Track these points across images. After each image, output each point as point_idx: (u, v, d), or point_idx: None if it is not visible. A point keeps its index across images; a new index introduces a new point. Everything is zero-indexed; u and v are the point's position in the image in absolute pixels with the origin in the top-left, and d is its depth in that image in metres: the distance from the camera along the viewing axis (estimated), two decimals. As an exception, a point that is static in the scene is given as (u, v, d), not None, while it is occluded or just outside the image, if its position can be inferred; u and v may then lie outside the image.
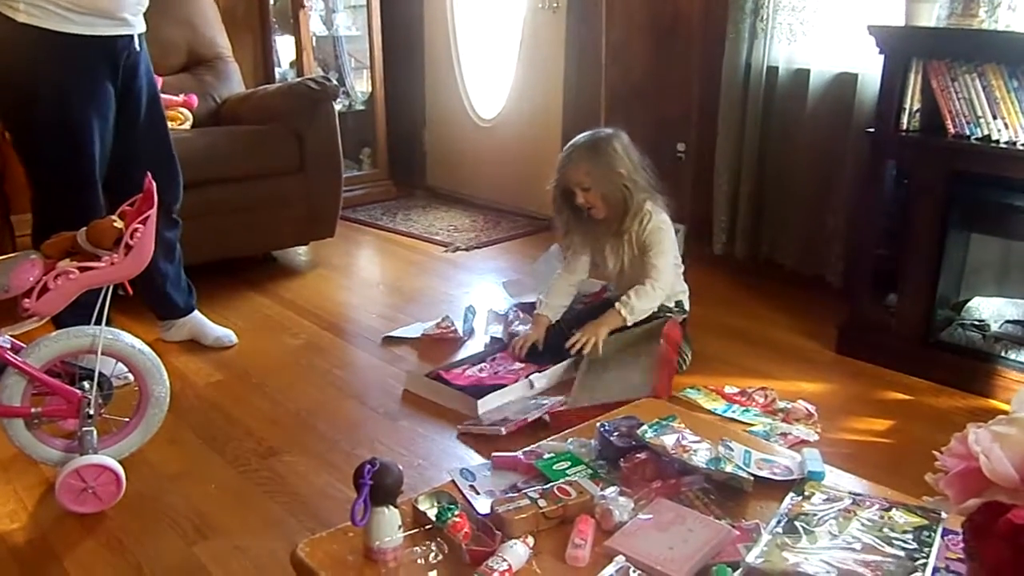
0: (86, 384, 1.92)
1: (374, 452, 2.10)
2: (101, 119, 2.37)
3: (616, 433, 1.60)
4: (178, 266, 2.76)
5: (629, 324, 2.57)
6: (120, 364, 2.00)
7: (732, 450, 1.50)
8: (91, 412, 1.90)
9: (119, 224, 1.87)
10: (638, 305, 2.57)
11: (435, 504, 1.41)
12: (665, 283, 2.60)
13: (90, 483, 1.84)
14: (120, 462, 1.89)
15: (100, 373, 1.91)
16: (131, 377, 2.04)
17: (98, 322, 1.87)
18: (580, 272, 2.77)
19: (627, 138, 2.66)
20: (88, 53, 2.30)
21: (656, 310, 2.63)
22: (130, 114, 2.47)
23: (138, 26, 2.42)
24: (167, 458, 2.11)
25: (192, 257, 2.86)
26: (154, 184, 1.90)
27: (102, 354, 1.89)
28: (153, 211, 1.88)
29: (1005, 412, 2.33)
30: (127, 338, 1.97)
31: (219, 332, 2.81)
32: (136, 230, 1.85)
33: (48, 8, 2.21)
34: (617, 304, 2.58)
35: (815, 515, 1.31)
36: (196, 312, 2.83)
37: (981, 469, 0.98)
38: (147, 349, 2.00)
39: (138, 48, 2.43)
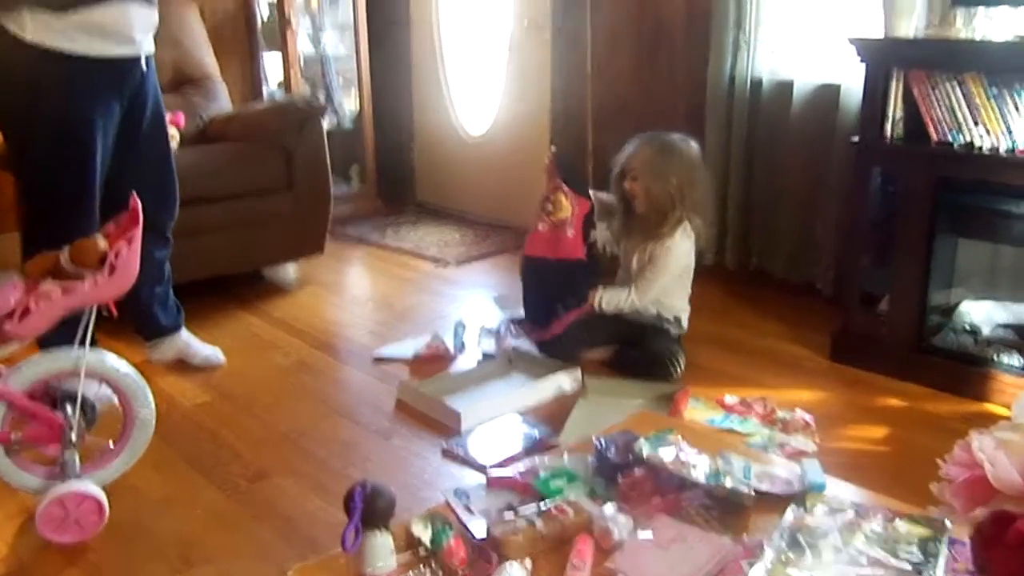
0: (68, 408, 1.87)
1: (366, 472, 2.07)
2: (104, 138, 2.35)
3: (613, 448, 1.58)
4: (166, 286, 2.73)
5: (593, 307, 2.64)
6: (104, 386, 1.96)
7: (732, 464, 1.48)
8: (73, 437, 1.85)
9: (103, 244, 1.83)
10: (608, 300, 2.65)
11: (429, 527, 1.38)
12: (643, 300, 2.66)
13: (72, 511, 1.79)
14: (103, 488, 1.85)
15: (83, 396, 1.87)
16: (115, 399, 1.99)
17: (82, 343, 1.84)
18: None
19: (698, 153, 2.71)
20: (95, 73, 2.28)
21: (656, 321, 2.68)
22: (132, 133, 2.45)
23: (147, 47, 2.40)
24: (152, 483, 2.07)
25: (180, 275, 2.82)
26: (139, 203, 1.87)
27: (86, 376, 1.85)
28: (138, 230, 1.84)
29: (1001, 416, 2.36)
30: (111, 359, 1.93)
31: (207, 352, 2.77)
32: (120, 250, 1.82)
33: (56, 28, 2.19)
34: (600, 288, 2.66)
35: (818, 529, 1.29)
36: (183, 331, 2.79)
37: (987, 477, 0.96)
38: (132, 371, 1.96)
39: (145, 69, 2.42)
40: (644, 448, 1.52)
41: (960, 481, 0.98)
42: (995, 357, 2.46)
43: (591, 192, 2.75)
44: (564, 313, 2.66)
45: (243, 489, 2.05)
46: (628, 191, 2.65)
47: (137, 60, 2.37)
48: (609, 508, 1.40)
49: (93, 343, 1.91)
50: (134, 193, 1.91)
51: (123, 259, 1.81)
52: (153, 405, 1.99)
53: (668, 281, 2.66)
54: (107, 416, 2.04)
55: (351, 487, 1.28)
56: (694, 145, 2.72)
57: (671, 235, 2.63)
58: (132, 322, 2.71)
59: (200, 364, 2.74)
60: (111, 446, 1.98)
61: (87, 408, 1.92)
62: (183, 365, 2.74)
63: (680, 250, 2.65)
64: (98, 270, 1.80)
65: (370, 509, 1.27)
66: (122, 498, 1.94)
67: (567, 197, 2.69)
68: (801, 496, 1.42)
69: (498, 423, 2.32)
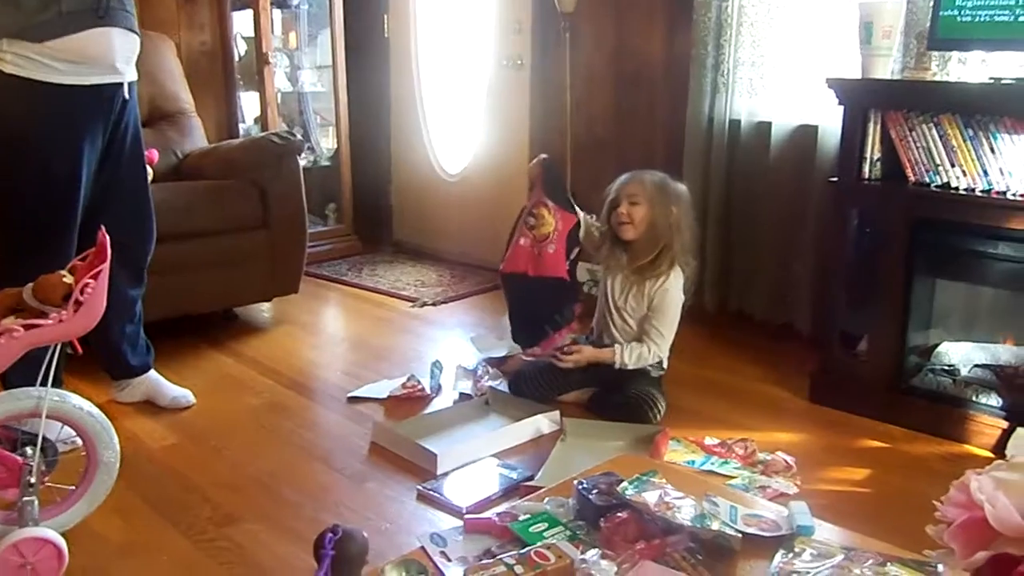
0: (28, 450, 1.79)
1: (339, 517, 2.01)
2: (87, 167, 2.31)
3: (595, 491, 1.53)
4: (137, 325, 2.67)
5: (616, 366, 2.59)
6: (67, 428, 1.89)
7: (718, 506, 1.44)
8: (33, 480, 1.77)
9: (68, 279, 1.78)
10: (631, 359, 2.60)
11: (403, 574, 1.33)
12: (662, 351, 2.63)
13: (29, 559, 1.70)
14: (63, 534, 1.77)
15: (44, 438, 1.79)
16: (79, 441, 1.92)
17: (44, 383, 1.77)
18: None
19: (689, 198, 2.70)
20: (76, 102, 2.25)
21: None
22: (112, 164, 2.41)
23: (129, 74, 2.37)
24: (115, 529, 1.99)
25: (150, 314, 2.76)
26: (107, 238, 1.82)
27: (47, 417, 1.79)
28: (106, 266, 1.79)
29: (981, 457, 2.35)
30: (75, 400, 1.87)
31: (176, 392, 2.70)
32: (87, 285, 1.76)
33: (34, 58, 2.16)
34: (617, 346, 2.60)
35: (808, 573, 1.25)
36: (152, 372, 2.72)
37: (986, 519, 0.93)
38: (96, 411, 1.89)
39: (127, 96, 2.38)
40: (627, 490, 1.48)
41: (958, 523, 0.95)
42: (974, 398, 2.45)
43: (578, 210, 2.69)
44: (553, 334, 2.62)
45: (211, 535, 1.98)
46: (625, 215, 2.59)
47: (120, 87, 2.34)
48: (592, 553, 1.36)
49: (57, 383, 1.85)
50: (102, 228, 1.86)
51: (89, 295, 1.76)
52: (118, 447, 1.92)
53: (674, 324, 2.64)
54: (69, 459, 1.97)
55: (321, 532, 1.23)
56: (682, 185, 2.73)
57: (667, 275, 2.61)
58: (99, 361, 2.64)
59: (169, 405, 2.66)
60: (73, 490, 1.90)
61: (48, 450, 1.85)
62: (151, 406, 2.67)
63: (676, 290, 2.63)
64: (63, 306, 1.75)
65: (341, 555, 1.22)
66: (83, 545, 1.85)
67: (551, 212, 2.63)
68: (789, 539, 1.38)
69: (475, 466, 2.27)
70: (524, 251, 2.66)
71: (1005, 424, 2.35)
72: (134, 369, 2.67)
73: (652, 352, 2.60)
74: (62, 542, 1.74)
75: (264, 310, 3.69)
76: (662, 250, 2.60)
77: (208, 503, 2.11)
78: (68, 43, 2.19)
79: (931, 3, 2.48)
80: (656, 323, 2.61)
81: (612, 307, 2.68)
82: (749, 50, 3.13)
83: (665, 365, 2.71)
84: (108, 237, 1.81)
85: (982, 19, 2.33)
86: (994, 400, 2.42)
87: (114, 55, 2.27)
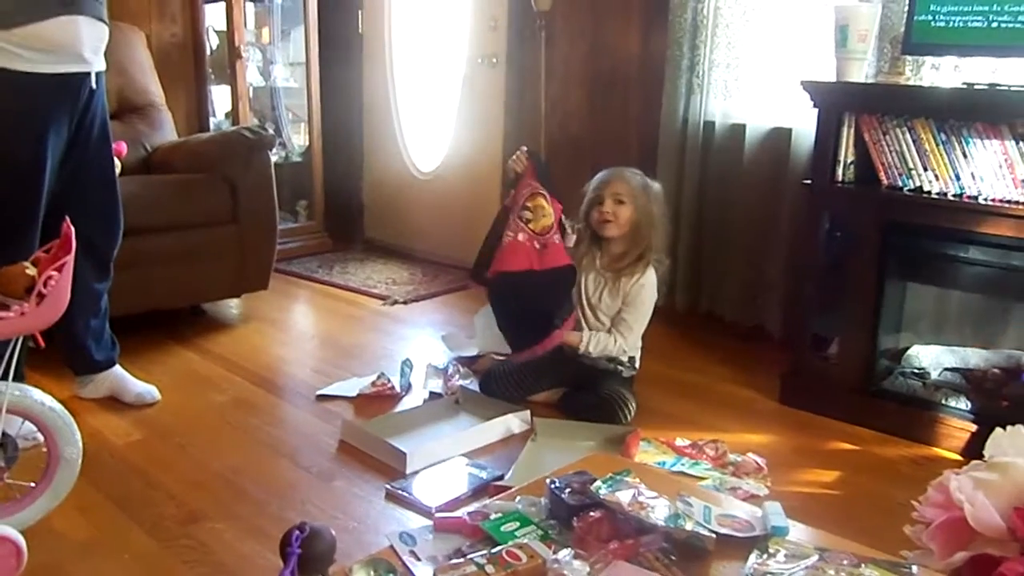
0: (-12, 445, 1.76)
1: (306, 515, 1.97)
2: (53, 158, 2.26)
3: (568, 490, 1.51)
4: (103, 319, 2.61)
5: (580, 351, 2.59)
6: (28, 423, 1.84)
7: (692, 506, 1.43)
8: (-8, 476, 1.74)
9: (31, 271, 1.73)
10: (596, 346, 2.60)
11: (372, 573, 1.30)
12: (630, 345, 2.63)
13: (-13, 556, 1.67)
14: (23, 532, 1.72)
15: (4, 433, 1.75)
16: (40, 437, 1.87)
17: (5, 377, 1.72)
18: None
19: (663, 197, 2.71)
20: (41, 91, 2.19)
21: (609, 364, 2.64)
22: (79, 155, 2.35)
23: (97, 64, 2.32)
24: (76, 526, 1.94)
25: (116, 308, 2.70)
26: (72, 229, 1.78)
27: (8, 412, 1.74)
28: (70, 258, 1.75)
29: (950, 460, 2.36)
30: (36, 395, 1.82)
31: (141, 388, 2.64)
32: (51, 278, 1.71)
33: (0, 46, 2.10)
34: (585, 332, 2.59)
35: (782, 574, 1.24)
36: (117, 367, 2.66)
37: (965, 519, 0.92)
38: (58, 407, 1.85)
39: (94, 86, 2.33)
40: (601, 489, 1.47)
41: (937, 524, 0.94)
42: (943, 401, 2.47)
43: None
44: (561, 324, 2.56)
45: (174, 533, 1.93)
46: (609, 213, 2.57)
47: (87, 77, 2.29)
48: (564, 553, 1.34)
49: (19, 377, 1.80)
50: (67, 219, 1.82)
51: (53, 288, 1.71)
52: (80, 443, 1.88)
53: (645, 319, 2.64)
54: (30, 455, 1.92)
55: (288, 530, 1.20)
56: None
57: (643, 272, 2.61)
58: (63, 355, 2.58)
59: (133, 401, 2.61)
60: (33, 486, 1.85)
61: (8, 446, 1.81)
62: (115, 402, 2.61)
63: (652, 287, 2.64)
64: (25, 299, 1.70)
65: (308, 554, 1.19)
66: (43, 542, 1.80)
67: (548, 201, 2.54)
68: (763, 540, 1.37)
69: (444, 465, 2.24)
70: (523, 247, 2.50)
71: (974, 427, 2.37)
72: (98, 364, 2.62)
73: (618, 344, 2.60)
74: (21, 540, 1.69)
75: (233, 306, 3.64)
76: (640, 249, 2.59)
77: (172, 500, 2.07)
78: (35, 31, 2.13)
79: (906, 8, 2.50)
80: (627, 316, 2.61)
81: (586, 304, 2.67)
82: (724, 52, 3.14)
83: (636, 365, 2.71)
84: (73, 229, 1.77)
85: (956, 24, 2.35)
86: (963, 403, 2.44)
87: (81, 44, 2.22)
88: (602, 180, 2.64)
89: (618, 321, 2.63)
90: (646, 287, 2.62)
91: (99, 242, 2.45)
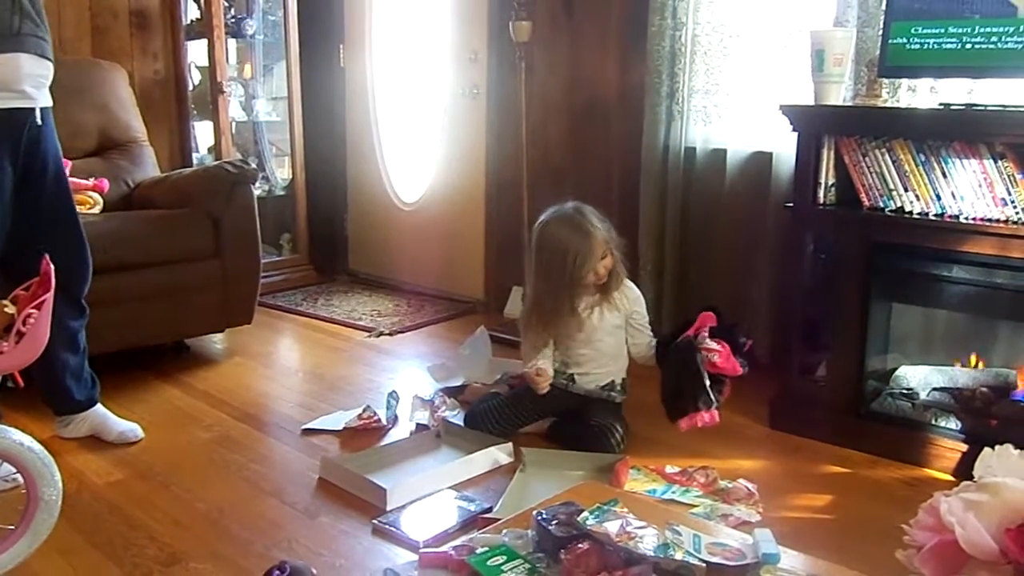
0: (-36, 489, 1.72)
1: (291, 553, 1.94)
2: (1, 193, 2.23)
3: (555, 522, 1.49)
4: (81, 357, 2.57)
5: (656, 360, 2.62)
6: (6, 464, 1.80)
7: (681, 535, 1.41)
8: (-32, 521, 1.70)
9: (10, 309, 1.71)
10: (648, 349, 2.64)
11: (358, 609, 1.27)
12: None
13: (-36, 602, 1.63)
14: (0, 576, 1.69)
15: (-19, 476, 1.72)
16: (19, 479, 1.84)
17: (-19, 418, 1.70)
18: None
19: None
20: None
21: (602, 392, 2.63)
22: (33, 192, 2.33)
23: (41, 100, 2.31)
24: (56, 570, 1.89)
25: (98, 346, 2.68)
26: (52, 267, 1.76)
27: (-16, 454, 1.71)
28: (49, 295, 1.73)
29: (941, 481, 2.35)
30: (15, 435, 1.78)
31: (123, 427, 2.60)
32: (30, 316, 1.70)
33: None
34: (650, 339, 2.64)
35: (774, 602, 1.22)
36: (99, 406, 2.62)
37: (956, 542, 0.91)
38: (37, 447, 1.81)
39: (40, 123, 2.31)
40: (588, 520, 1.44)
41: (929, 547, 0.93)
42: (933, 421, 2.46)
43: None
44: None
45: (157, 575, 1.90)
46: (604, 275, 2.57)
47: (31, 112, 2.28)
48: (552, 586, 1.32)
49: (-6, 417, 1.77)
50: (46, 256, 1.80)
51: (32, 326, 1.69)
52: (60, 484, 1.84)
53: None
54: (9, 497, 1.89)
55: (268, 569, 1.17)
56: (575, 203, 2.66)
57: (623, 284, 2.63)
58: (42, 395, 2.55)
59: (116, 440, 2.57)
60: (12, 529, 1.81)
61: (-16, 488, 1.78)
62: (97, 441, 2.57)
63: (639, 293, 2.69)
64: (4, 337, 1.68)
65: (291, 593, 1.16)
66: (20, 587, 1.77)
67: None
68: (755, 568, 1.35)
69: (433, 498, 2.21)
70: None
71: (964, 447, 2.36)
72: (79, 403, 2.58)
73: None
74: (-4, 585, 1.66)
75: (217, 341, 3.60)
76: (614, 266, 2.60)
77: (154, 542, 2.03)
78: None
79: (880, 32, 2.53)
80: (646, 324, 2.67)
81: (595, 336, 2.62)
82: (703, 78, 3.17)
83: (626, 390, 2.69)
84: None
85: (930, 47, 2.37)
86: (953, 423, 2.43)
87: (21, 80, 2.22)
88: (586, 248, 2.52)
89: (638, 329, 2.65)
90: (640, 297, 2.68)
91: (68, 281, 2.42)
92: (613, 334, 2.63)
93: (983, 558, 0.87)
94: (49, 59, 2.31)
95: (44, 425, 2.58)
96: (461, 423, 2.68)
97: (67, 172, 2.51)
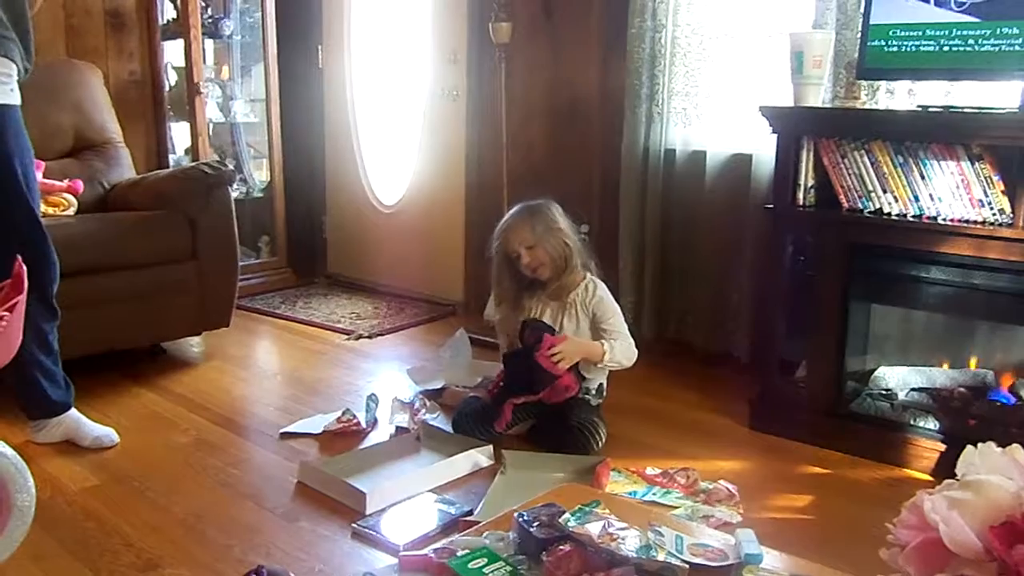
0: (-67, 495, 1.68)
1: (270, 558, 1.92)
2: None
3: (536, 523, 1.48)
4: (54, 359, 2.53)
5: (604, 362, 2.57)
6: (-23, 471, 1.77)
7: (663, 536, 1.40)
8: (-62, 528, 1.66)
9: (-20, 312, 1.68)
10: (618, 351, 2.58)
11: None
12: (631, 344, 2.63)
13: (-67, 611, 1.59)
14: (-29, 584, 1.66)
15: (-50, 482, 1.68)
16: (-10, 485, 1.80)
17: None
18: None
19: (558, 207, 2.69)
20: None
21: (583, 393, 2.61)
22: None
23: (2, 97, 2.27)
24: (30, 577, 1.87)
25: (74, 349, 2.64)
26: (24, 268, 1.72)
27: (-46, 460, 1.67)
28: (22, 297, 1.70)
29: (920, 481, 2.36)
30: (-15, 441, 1.75)
31: (98, 432, 2.56)
32: (2, 318, 1.66)
33: None
34: (604, 341, 2.57)
35: (757, 603, 1.22)
36: (73, 410, 2.58)
37: (940, 540, 0.91)
38: (10, 452, 1.78)
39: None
40: (570, 522, 1.43)
41: (912, 546, 0.92)
42: (912, 421, 2.47)
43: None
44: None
45: (132, 581, 1.87)
46: (529, 266, 2.60)
47: None
48: (534, 589, 1.31)
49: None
50: (19, 258, 1.76)
51: (4, 328, 1.66)
52: (33, 490, 1.80)
53: (623, 320, 2.66)
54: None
55: (246, 573, 1.16)
56: (544, 199, 2.70)
57: (585, 285, 2.63)
58: (15, 399, 2.51)
59: (91, 445, 2.53)
60: (-19, 537, 1.78)
61: (-46, 495, 1.73)
62: (71, 446, 2.53)
63: (608, 294, 2.66)
64: (-27, 340, 1.65)
65: (269, 598, 1.14)
66: (-9, 596, 1.74)
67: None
68: (737, 568, 1.35)
69: (413, 501, 2.19)
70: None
71: (943, 447, 2.37)
72: (53, 407, 2.54)
73: (629, 344, 2.62)
74: (-33, 594, 1.62)
75: (194, 345, 3.57)
76: (566, 266, 2.60)
77: (130, 548, 2.00)
78: None
79: (859, 34, 2.54)
80: (607, 326, 2.62)
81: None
82: (683, 80, 3.17)
83: (605, 391, 2.68)
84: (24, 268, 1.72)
85: (908, 49, 2.39)
86: (932, 423, 2.44)
87: None
88: (502, 232, 2.63)
89: (610, 332, 2.61)
90: (604, 298, 2.64)
91: (36, 282, 2.38)
92: (590, 337, 2.63)
93: (967, 556, 0.87)
94: (11, 59, 2.27)
95: (17, 430, 2.54)
96: (441, 427, 2.66)
97: (40, 173, 2.47)
